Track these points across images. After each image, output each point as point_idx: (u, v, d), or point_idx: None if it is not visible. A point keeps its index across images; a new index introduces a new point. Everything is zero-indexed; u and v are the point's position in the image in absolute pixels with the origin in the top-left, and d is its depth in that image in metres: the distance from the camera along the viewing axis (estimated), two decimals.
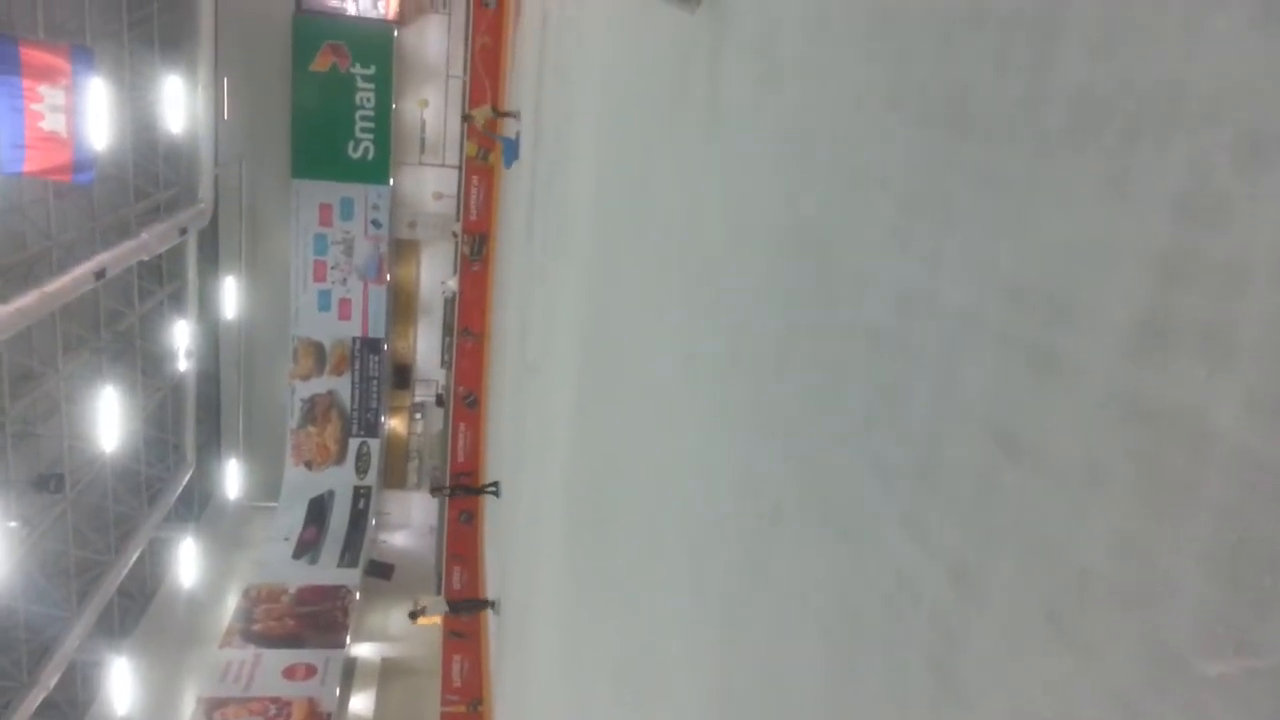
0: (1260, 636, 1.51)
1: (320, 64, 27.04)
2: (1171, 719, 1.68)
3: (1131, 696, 1.78)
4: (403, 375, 30.62)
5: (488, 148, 23.17)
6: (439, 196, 28.61)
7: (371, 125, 27.68)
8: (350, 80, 27.27)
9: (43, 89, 13.85)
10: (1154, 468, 1.76)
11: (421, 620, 16.97)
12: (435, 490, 21.88)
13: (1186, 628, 1.66)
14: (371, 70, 27.30)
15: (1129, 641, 1.79)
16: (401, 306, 30.12)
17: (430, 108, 28.15)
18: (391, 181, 28.17)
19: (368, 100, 27.50)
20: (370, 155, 27.86)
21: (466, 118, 19.18)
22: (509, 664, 15.36)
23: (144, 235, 18.74)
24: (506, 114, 18.36)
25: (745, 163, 4.46)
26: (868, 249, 3.09)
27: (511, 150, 16.84)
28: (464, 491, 21.05)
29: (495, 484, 18.60)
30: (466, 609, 18.47)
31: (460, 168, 24.85)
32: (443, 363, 28.32)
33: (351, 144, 27.70)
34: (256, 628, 23.92)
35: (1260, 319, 1.55)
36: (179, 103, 20.81)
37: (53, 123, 13.95)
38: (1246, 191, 1.59)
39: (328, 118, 27.29)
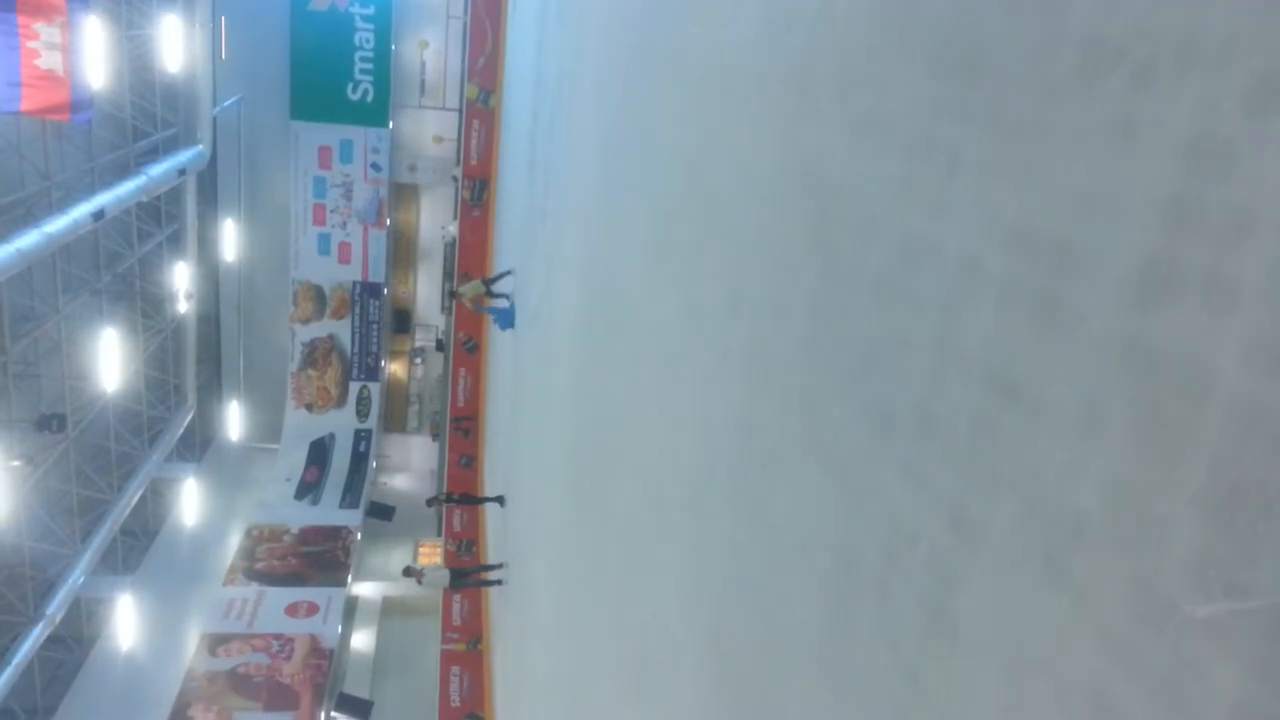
0: (1249, 579, 1.54)
1: (319, 3, 26.64)
2: (1160, 659, 1.72)
3: (1123, 637, 1.82)
4: (403, 320, 30.59)
5: (489, 89, 22.94)
6: (439, 140, 28.35)
7: (371, 67, 27.33)
8: (349, 20, 26.87)
9: (39, 26, 13.64)
10: (1152, 414, 1.78)
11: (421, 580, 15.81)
12: (431, 501, 20.34)
13: (1178, 571, 1.69)
14: (371, 10, 26.90)
15: (1121, 584, 1.83)
16: (401, 251, 30.00)
17: (430, 50, 27.78)
18: (391, 124, 27.89)
19: (367, 41, 27.12)
20: (370, 97, 27.55)
21: (455, 295, 17.97)
22: (509, 603, 15.56)
23: (143, 176, 18.62)
24: (499, 278, 17.07)
25: (750, 107, 4.42)
26: (872, 195, 3.08)
27: (507, 320, 15.67)
28: (462, 501, 19.70)
29: (500, 497, 17.27)
30: (472, 582, 17.06)
31: (461, 111, 24.60)
32: (443, 308, 28.28)
33: (351, 86, 27.37)
34: (259, 566, 24.19)
35: (1263, 266, 1.56)
36: (176, 42, 20.52)
37: (49, 61, 13.76)
38: (1254, 137, 1.59)
39: (327, 58, 26.94)
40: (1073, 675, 1.95)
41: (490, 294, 16.66)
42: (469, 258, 23.67)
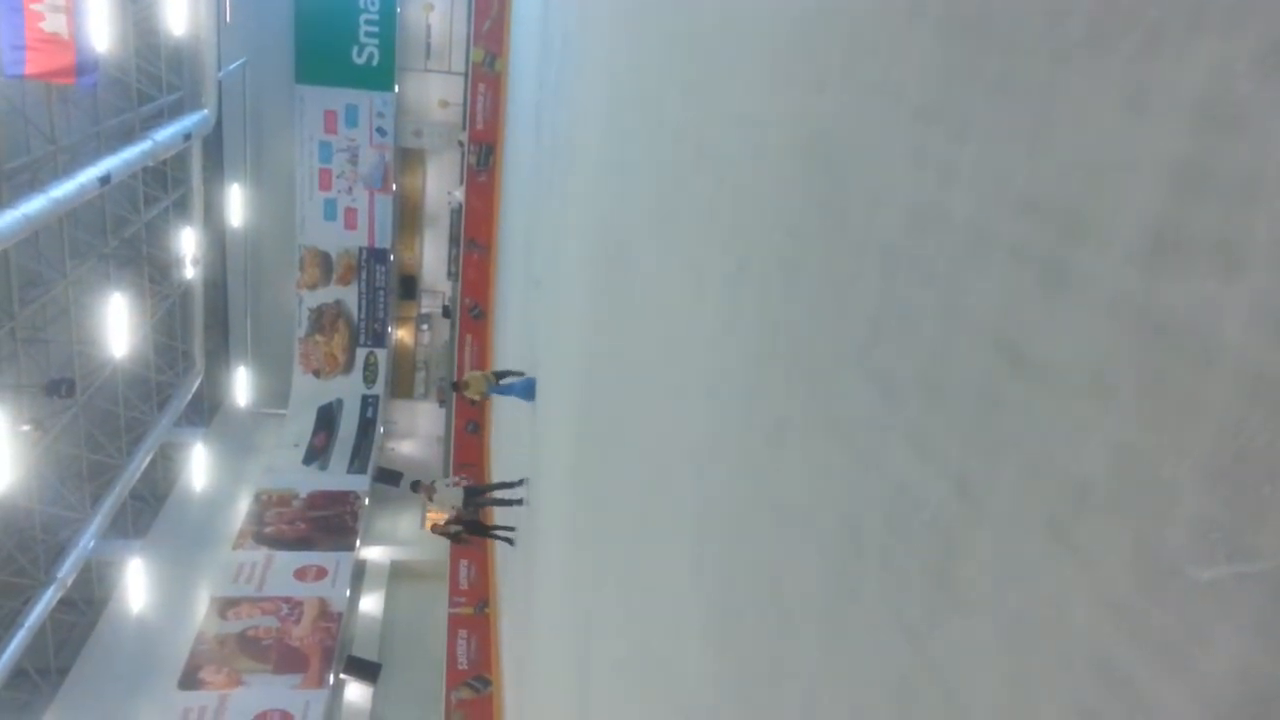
0: (1254, 543, 1.54)
1: None
2: (1164, 623, 1.73)
3: (1127, 601, 1.83)
4: (409, 286, 30.62)
5: (495, 53, 22.78)
6: (445, 104, 28.21)
7: (376, 30, 27.16)
8: None
9: None
10: (1159, 379, 1.78)
11: (430, 519, 14.91)
12: (435, 528, 16.19)
13: (1182, 536, 1.70)
14: None
15: (1126, 549, 1.84)
16: (407, 217, 29.96)
17: (436, 12, 27.56)
18: (396, 88, 27.73)
19: (372, 3, 26.93)
20: (375, 61, 27.39)
21: (457, 386, 15.12)
22: (516, 568, 15.67)
23: (148, 140, 18.57)
24: (507, 374, 14.79)
25: (758, 73, 4.39)
26: (879, 162, 3.06)
27: (528, 391, 13.61)
28: (473, 531, 16.86)
29: (510, 529, 15.25)
30: (487, 500, 15.16)
31: (466, 75, 24.44)
32: (449, 274, 28.30)
33: (356, 49, 27.21)
34: (268, 530, 24.40)
35: (1272, 232, 1.55)
36: (181, 5, 20.37)
37: (54, 24, 13.67)
38: (1266, 102, 1.57)
39: (331, 21, 26.78)
40: (1076, 640, 1.97)
41: (500, 377, 14.58)
42: (476, 223, 23.63)
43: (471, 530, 15.46)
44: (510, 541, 15.12)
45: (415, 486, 14.48)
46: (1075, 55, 2.09)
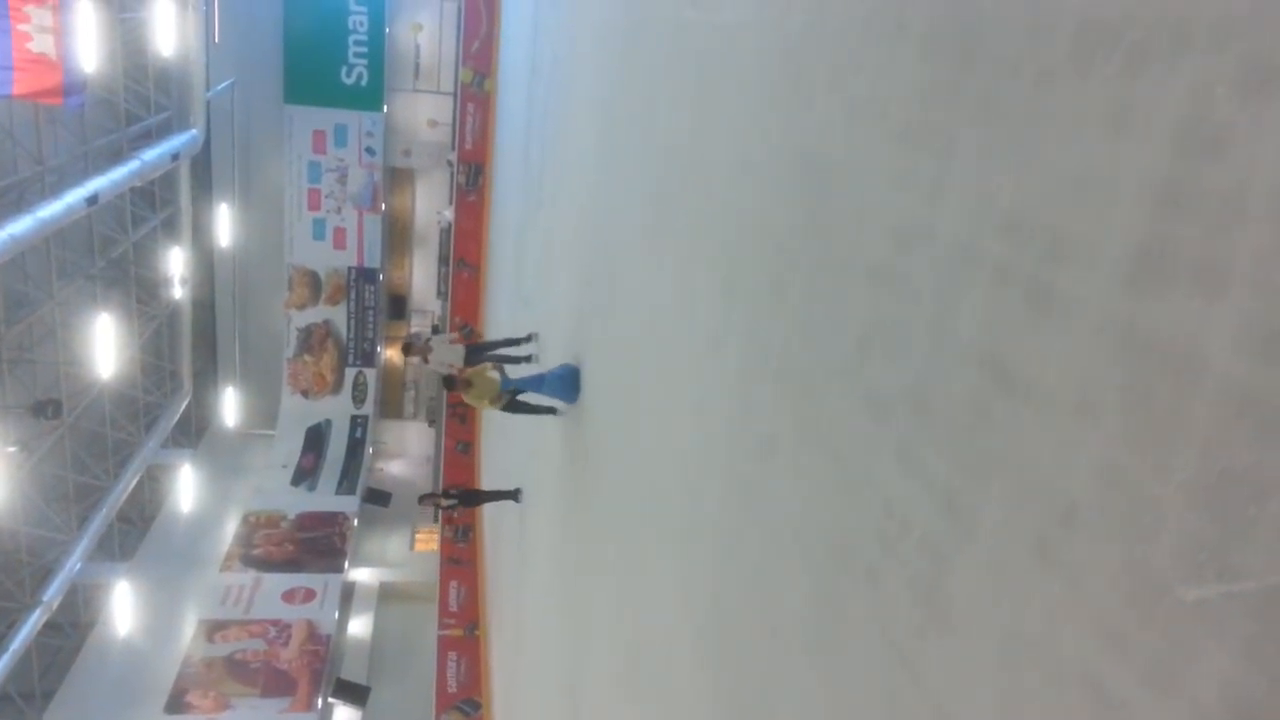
0: (1240, 562, 1.54)
1: None
2: (1152, 642, 1.73)
3: (1115, 620, 1.82)
4: (398, 305, 30.55)
5: (484, 73, 22.86)
6: (434, 124, 28.25)
7: (365, 50, 27.20)
8: (343, 2, 26.75)
9: (30, 9, 13.52)
10: (1144, 399, 1.78)
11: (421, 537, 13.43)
12: (425, 498, 13.07)
13: (1169, 555, 1.70)
14: None
15: (1113, 568, 1.83)
16: (397, 236, 29.93)
17: (425, 33, 27.65)
18: (385, 108, 27.77)
19: (361, 24, 26.98)
20: (364, 81, 27.43)
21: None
22: (505, 587, 15.59)
23: (136, 160, 18.53)
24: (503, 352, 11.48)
25: (746, 91, 4.41)
26: (866, 180, 3.07)
27: (568, 388, 9.04)
28: (464, 501, 14.80)
29: (515, 492, 13.58)
30: (493, 356, 11.55)
31: (455, 95, 24.50)
32: (438, 293, 28.24)
33: (345, 69, 27.25)
34: (256, 552, 24.21)
35: (1255, 252, 1.56)
36: (169, 25, 20.36)
37: (41, 44, 13.64)
38: (1248, 122, 1.58)
39: (320, 41, 26.82)
40: (1065, 659, 1.96)
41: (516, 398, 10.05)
42: (465, 242, 23.61)
43: (466, 501, 14.34)
44: (516, 500, 13.45)
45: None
46: (1059, 75, 2.10)
